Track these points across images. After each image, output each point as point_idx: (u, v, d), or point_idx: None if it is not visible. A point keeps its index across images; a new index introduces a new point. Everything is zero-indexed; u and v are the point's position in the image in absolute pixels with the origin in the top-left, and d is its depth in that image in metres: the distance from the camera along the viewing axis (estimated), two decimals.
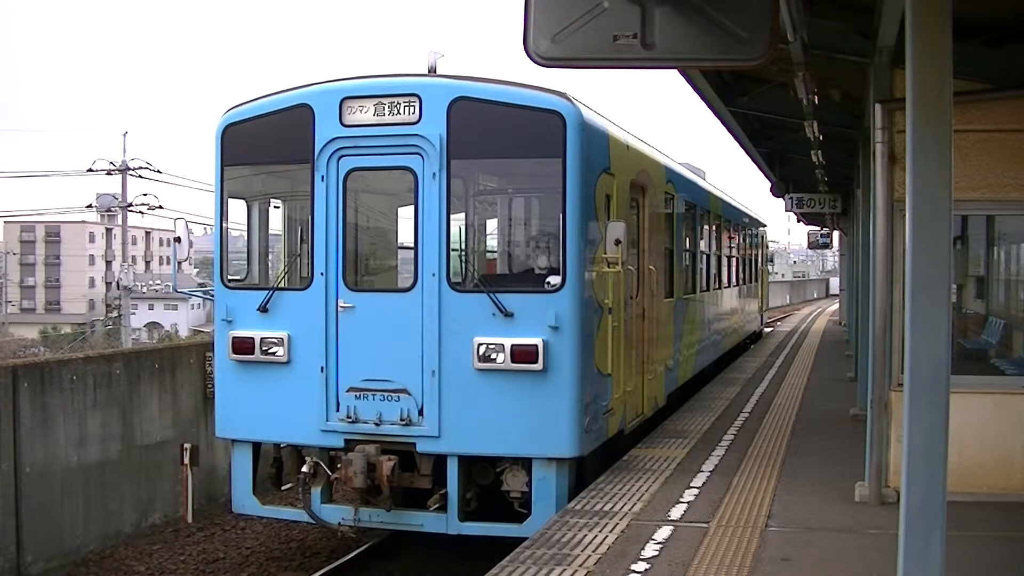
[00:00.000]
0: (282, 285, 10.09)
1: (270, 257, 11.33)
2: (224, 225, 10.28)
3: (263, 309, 9.72)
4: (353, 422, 9.42)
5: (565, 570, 6.87)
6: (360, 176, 9.81)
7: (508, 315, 9.07)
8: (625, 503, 8.73)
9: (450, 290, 9.27)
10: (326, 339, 9.50)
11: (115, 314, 44.92)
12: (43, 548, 11.40)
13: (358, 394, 9.44)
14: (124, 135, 58.09)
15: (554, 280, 9.28)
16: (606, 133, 10.28)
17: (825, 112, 12.91)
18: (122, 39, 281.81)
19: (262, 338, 9.71)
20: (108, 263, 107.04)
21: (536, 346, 8.98)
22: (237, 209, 10.70)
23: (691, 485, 9.46)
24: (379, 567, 10.76)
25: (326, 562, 10.93)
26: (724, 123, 17.17)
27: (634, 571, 6.88)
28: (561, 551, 7.29)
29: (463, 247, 10.53)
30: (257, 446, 10.17)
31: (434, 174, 9.28)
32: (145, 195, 40.98)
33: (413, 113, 9.32)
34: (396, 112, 9.37)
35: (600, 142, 9.98)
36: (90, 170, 40.78)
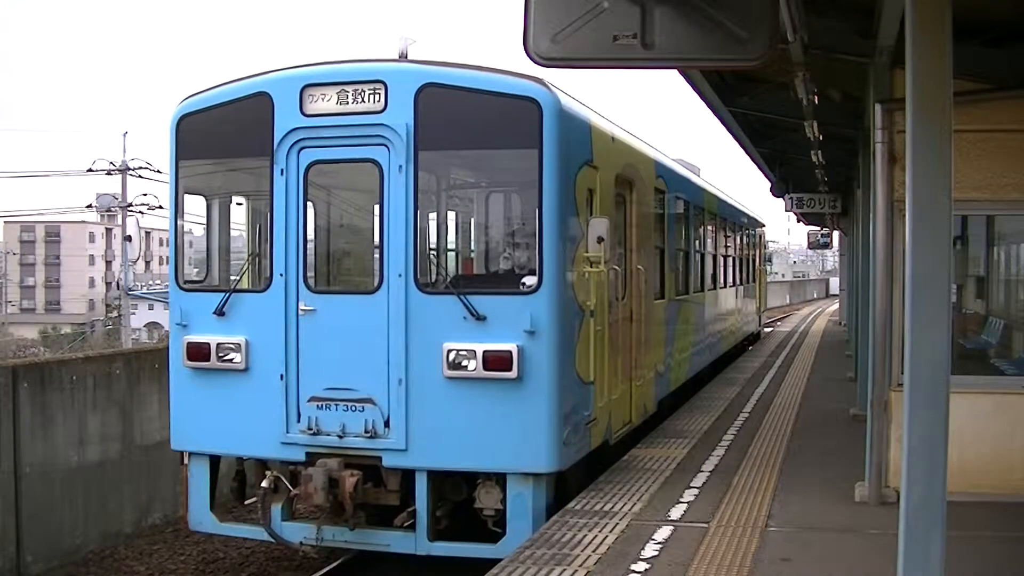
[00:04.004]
0: (240, 287, 9.45)
1: (239, 257, 10.60)
2: (179, 223, 9.72)
3: (220, 312, 9.10)
4: (315, 434, 8.81)
5: (565, 570, 6.87)
6: (323, 169, 9.21)
7: (480, 319, 8.46)
8: (625, 503, 8.73)
9: (418, 292, 8.65)
10: (286, 345, 8.89)
11: (115, 314, 44.92)
12: (43, 548, 11.40)
13: (320, 404, 8.83)
14: (124, 135, 58.25)
15: (530, 281, 8.68)
16: (588, 123, 9.66)
17: (825, 112, 12.90)
18: (122, 39, 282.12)
19: (218, 344, 9.09)
20: (108, 263, 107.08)
21: (510, 352, 8.38)
22: (196, 206, 10.15)
23: (691, 485, 9.46)
24: (379, 568, 10.75)
25: (325, 562, 10.92)
26: (724, 123, 17.16)
27: (634, 571, 6.88)
28: (561, 551, 7.29)
29: (432, 246, 9.92)
30: (216, 459, 9.60)
31: (400, 167, 8.65)
32: (145, 195, 40.89)
33: (378, 101, 8.71)
34: (360, 100, 8.77)
35: (581, 132, 9.40)
36: (90, 170, 40.75)
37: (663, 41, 4.48)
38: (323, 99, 8.85)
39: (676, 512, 8.47)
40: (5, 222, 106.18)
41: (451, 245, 11.18)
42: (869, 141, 9.36)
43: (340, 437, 8.75)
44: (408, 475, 8.76)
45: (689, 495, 9.07)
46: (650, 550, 7.35)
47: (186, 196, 9.81)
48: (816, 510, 8.63)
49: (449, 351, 8.49)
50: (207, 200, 10.21)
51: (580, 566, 6.95)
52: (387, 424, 8.68)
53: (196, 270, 10.71)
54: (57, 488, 11.66)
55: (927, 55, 4.79)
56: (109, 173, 40.55)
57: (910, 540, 4.84)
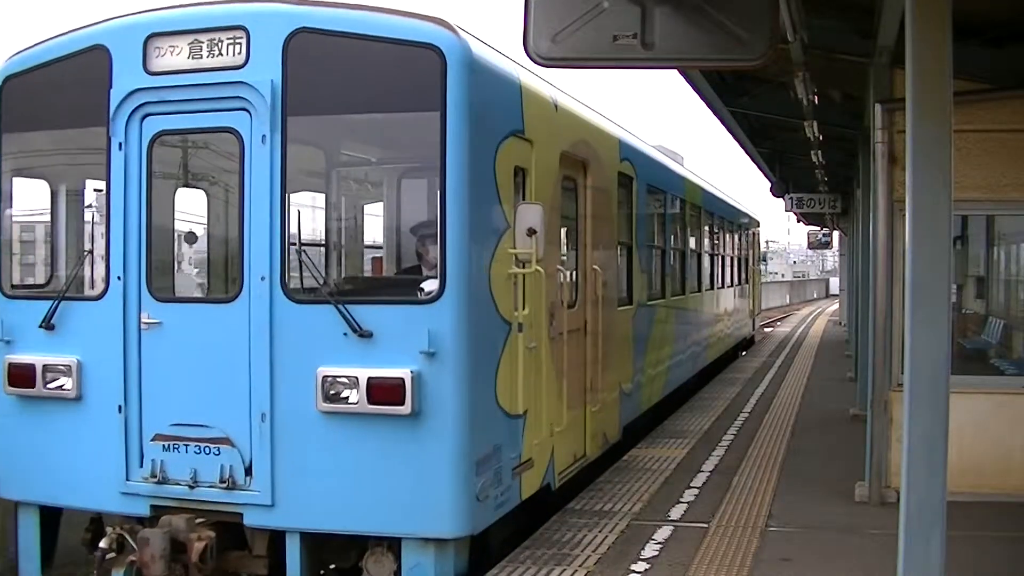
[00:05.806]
0: (71, 293, 7.44)
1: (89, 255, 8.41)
2: (5, 212, 7.88)
3: (47, 326, 7.24)
4: (160, 482, 6.93)
5: (565, 570, 6.86)
6: (173, 142, 7.50)
7: (364, 335, 6.54)
8: (625, 503, 8.73)
9: (286, 300, 6.74)
10: (125, 368, 7.03)
11: None
12: None
13: (167, 444, 6.95)
14: None
15: (429, 286, 6.75)
16: (517, 83, 7.63)
17: (825, 112, 12.93)
18: None
19: (45, 365, 7.23)
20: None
21: (402, 380, 6.41)
22: (36, 192, 8.45)
23: (691, 485, 9.46)
24: None
25: None
26: (724, 123, 17.17)
27: (634, 571, 6.88)
28: (561, 551, 7.29)
29: (304, 239, 7.63)
30: (51, 510, 7.74)
31: (264, 137, 6.75)
32: None
33: (239, 53, 6.84)
34: (217, 53, 6.91)
35: (506, 93, 7.47)
36: None
37: (663, 41, 4.49)
38: (172, 52, 7.01)
39: (676, 512, 8.47)
40: None
41: (339, 240, 9.10)
42: (869, 141, 9.37)
43: (191, 487, 6.88)
44: (278, 536, 6.87)
45: (689, 495, 9.07)
46: (650, 550, 7.35)
47: (17, 179, 8.09)
48: (816, 510, 8.63)
49: (324, 378, 6.59)
50: (50, 184, 8.31)
51: (580, 566, 6.95)
52: (248, 471, 6.79)
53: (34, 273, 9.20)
54: None
55: (927, 55, 4.79)
56: None
57: (910, 540, 4.84)
